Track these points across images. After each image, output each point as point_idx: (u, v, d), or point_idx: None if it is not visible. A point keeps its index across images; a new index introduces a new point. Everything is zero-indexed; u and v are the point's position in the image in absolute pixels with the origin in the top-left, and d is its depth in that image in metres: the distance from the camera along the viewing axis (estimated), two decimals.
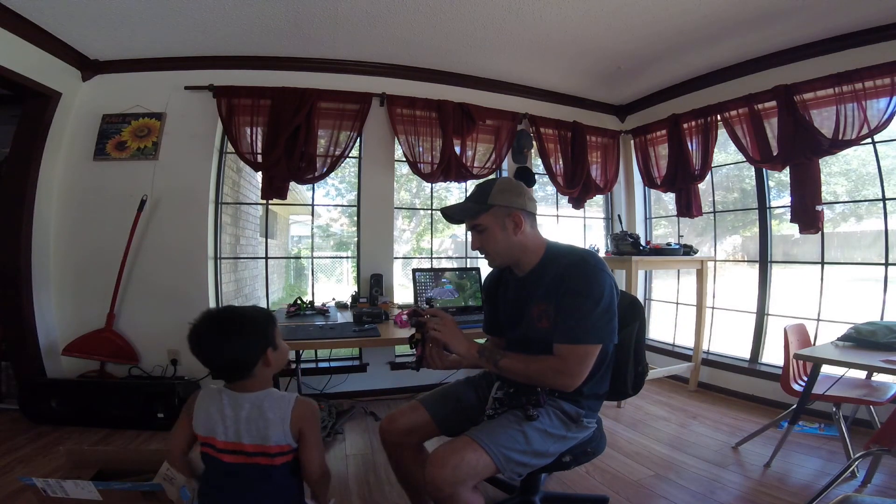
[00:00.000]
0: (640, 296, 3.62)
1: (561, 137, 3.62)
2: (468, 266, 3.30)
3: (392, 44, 2.87)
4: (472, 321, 2.07)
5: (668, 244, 3.14)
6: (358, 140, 3.16)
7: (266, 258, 3.40)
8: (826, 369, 1.94)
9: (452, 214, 1.34)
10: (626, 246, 3.02)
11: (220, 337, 1.00)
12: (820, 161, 2.66)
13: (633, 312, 1.37)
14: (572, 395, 1.26)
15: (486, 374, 1.48)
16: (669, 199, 3.78)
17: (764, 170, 3.07)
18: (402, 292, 3.43)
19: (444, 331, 1.24)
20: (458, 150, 3.23)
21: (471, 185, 3.39)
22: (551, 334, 1.20)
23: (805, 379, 2.07)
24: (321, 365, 3.12)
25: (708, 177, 3.32)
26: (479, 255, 1.37)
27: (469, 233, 1.35)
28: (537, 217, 1.35)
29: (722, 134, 3.16)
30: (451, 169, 3.19)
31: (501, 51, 2.95)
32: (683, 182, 3.37)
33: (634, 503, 1.77)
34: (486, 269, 1.54)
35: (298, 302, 2.71)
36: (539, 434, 1.18)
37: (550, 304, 1.21)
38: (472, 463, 1.08)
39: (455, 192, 4.62)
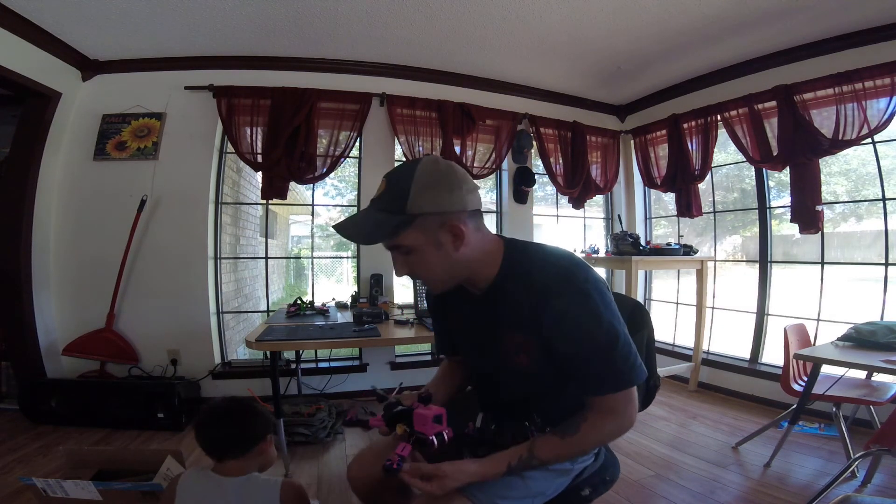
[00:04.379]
0: (640, 296, 3.62)
1: (561, 137, 3.62)
2: None
3: (392, 44, 2.87)
4: None
5: (668, 244, 3.14)
6: (358, 140, 3.16)
7: (266, 258, 3.40)
8: (826, 369, 1.94)
9: (354, 235, 0.91)
10: (626, 246, 3.02)
11: (230, 412, 1.08)
12: (820, 161, 2.66)
13: (640, 320, 1.15)
14: None
15: (469, 403, 1.18)
16: (669, 199, 3.78)
17: (764, 170, 3.07)
18: (402, 292, 3.43)
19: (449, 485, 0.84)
20: (458, 150, 3.23)
21: None
22: (533, 372, 0.94)
23: (805, 379, 2.07)
24: (321, 365, 3.13)
25: (708, 177, 3.32)
26: None
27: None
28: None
29: (722, 134, 3.15)
30: None
31: (501, 51, 2.94)
32: (683, 182, 3.37)
33: (634, 503, 1.77)
34: None
35: (298, 302, 2.71)
36: (540, 473, 0.95)
37: (530, 337, 0.90)
38: None
39: None
